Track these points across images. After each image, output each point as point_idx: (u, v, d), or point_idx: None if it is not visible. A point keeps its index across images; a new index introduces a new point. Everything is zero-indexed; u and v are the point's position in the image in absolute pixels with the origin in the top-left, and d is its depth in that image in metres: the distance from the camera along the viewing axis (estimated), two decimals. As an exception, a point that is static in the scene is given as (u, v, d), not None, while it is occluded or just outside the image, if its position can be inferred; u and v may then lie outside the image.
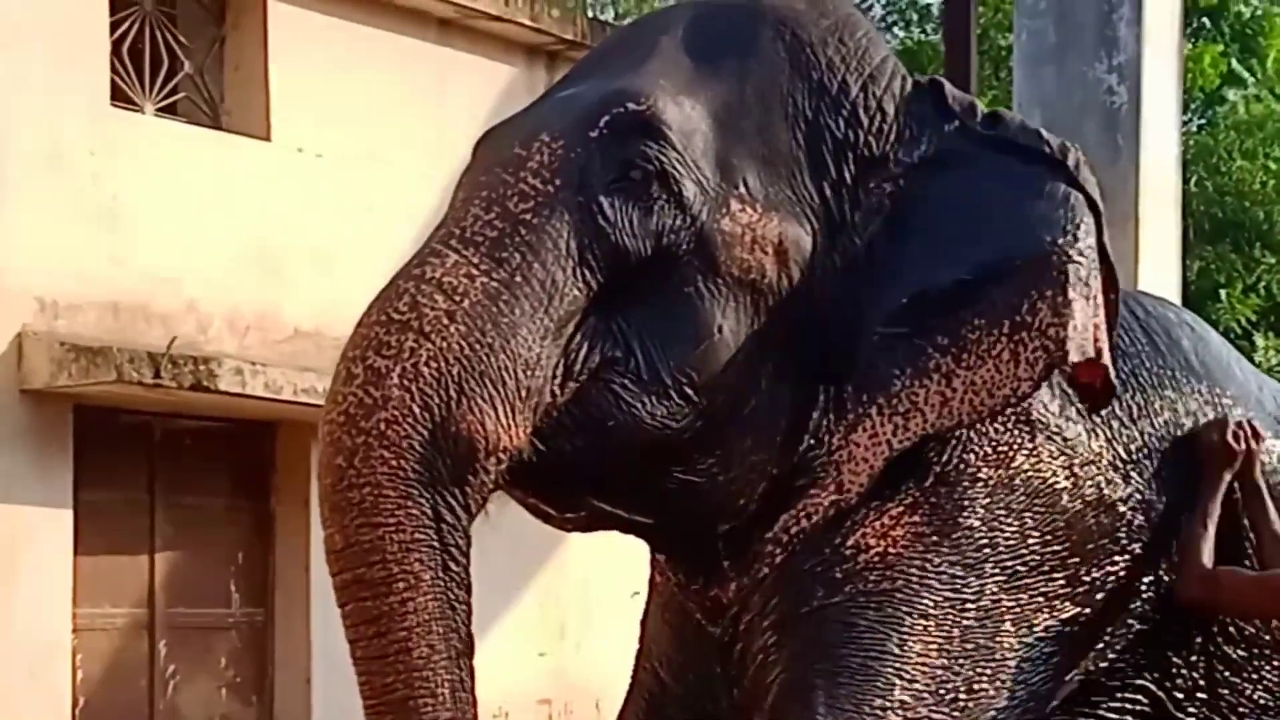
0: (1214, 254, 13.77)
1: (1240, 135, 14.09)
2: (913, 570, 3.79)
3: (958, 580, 3.80)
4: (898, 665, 3.77)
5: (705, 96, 3.68)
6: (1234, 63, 14.48)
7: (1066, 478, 3.94)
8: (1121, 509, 3.99)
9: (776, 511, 3.73)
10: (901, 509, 3.76)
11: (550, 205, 3.49)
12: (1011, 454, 3.86)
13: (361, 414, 3.32)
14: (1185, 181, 13.38)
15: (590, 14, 10.69)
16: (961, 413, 3.66)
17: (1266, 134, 14.14)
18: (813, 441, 3.68)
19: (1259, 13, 14.87)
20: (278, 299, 9.03)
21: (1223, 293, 14.31)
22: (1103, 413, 3.99)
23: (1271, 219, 14.20)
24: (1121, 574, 3.99)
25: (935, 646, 3.80)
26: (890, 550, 3.76)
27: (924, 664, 3.79)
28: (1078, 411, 3.96)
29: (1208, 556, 4.14)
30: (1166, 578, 4.07)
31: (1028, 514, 3.87)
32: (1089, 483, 3.97)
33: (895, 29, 16.41)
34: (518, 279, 3.43)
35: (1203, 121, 14.93)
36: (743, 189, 3.60)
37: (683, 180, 3.54)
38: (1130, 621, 4.04)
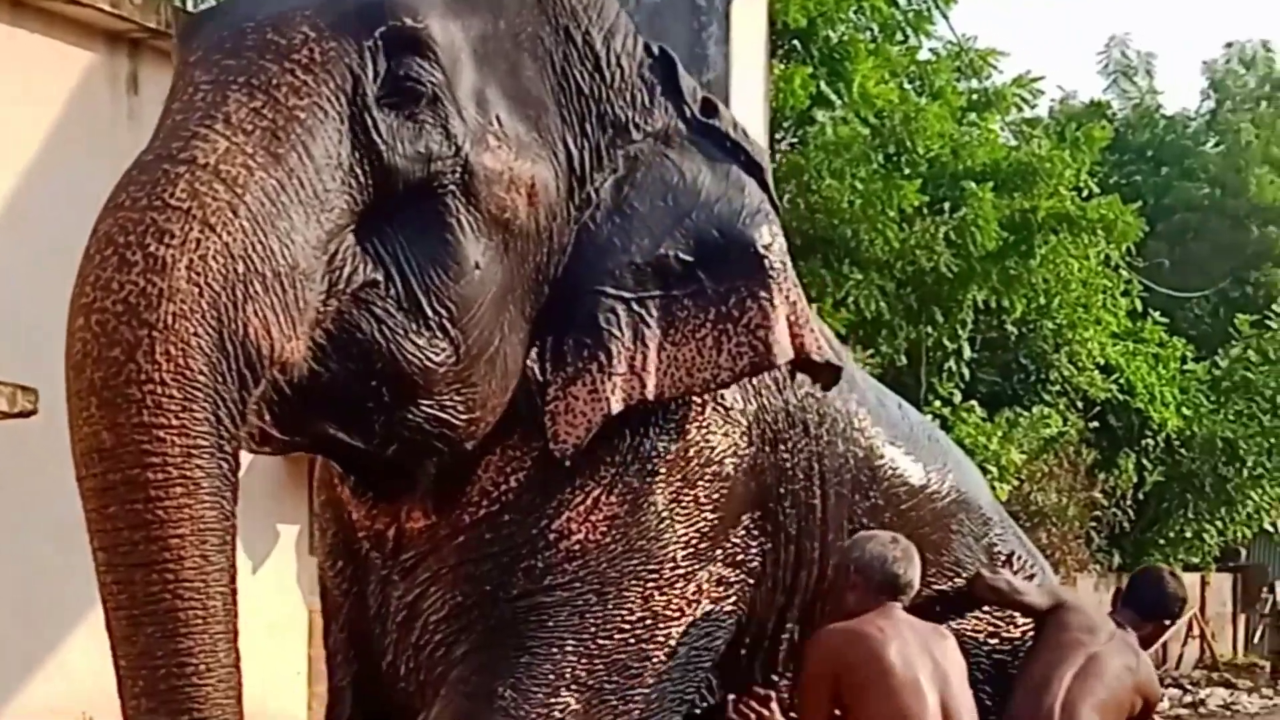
0: (805, 270, 14.21)
1: (829, 155, 14.50)
2: (604, 555, 3.82)
3: (642, 554, 3.87)
4: (577, 644, 3.78)
5: (463, 25, 3.57)
6: (823, 85, 14.92)
7: (729, 446, 4.03)
8: (767, 475, 4.12)
9: (488, 456, 3.75)
10: (601, 490, 3.82)
11: (324, 108, 3.33)
12: (686, 426, 3.94)
13: (145, 305, 3.08)
14: (778, 199, 13.86)
15: (176, 2, 10.30)
16: (665, 385, 3.72)
17: (854, 155, 14.56)
18: (532, 390, 3.69)
19: (845, 38, 15.39)
20: None
21: (814, 307, 14.76)
22: (754, 382, 4.09)
23: (859, 237, 14.70)
24: (765, 537, 4.11)
25: (614, 621, 3.83)
26: (590, 538, 3.80)
27: (603, 640, 3.80)
28: None
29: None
30: (809, 543, 4.24)
31: (701, 484, 3.95)
32: (746, 449, 4.07)
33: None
34: (294, 181, 3.26)
35: (794, 141, 15.35)
36: (497, 126, 3.54)
37: (450, 107, 3.46)
38: (784, 577, 4.19)
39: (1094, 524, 19.10)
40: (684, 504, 3.92)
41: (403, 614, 3.91)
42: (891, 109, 15.53)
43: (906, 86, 16.84)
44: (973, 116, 17.23)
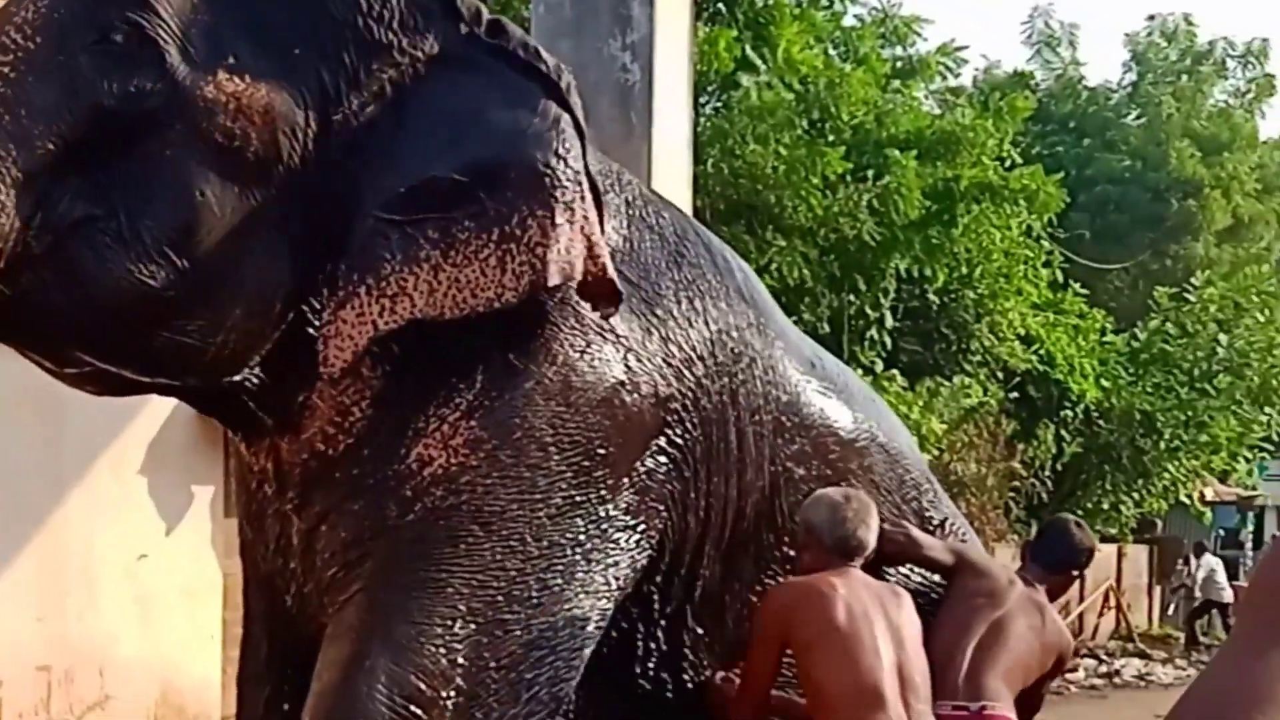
0: (729, 235, 14.19)
1: (753, 120, 14.47)
2: (478, 481, 3.86)
3: (524, 482, 3.89)
4: (468, 576, 3.82)
5: None
6: (747, 49, 14.86)
7: (624, 374, 4.07)
8: (673, 405, 4.16)
9: (295, 379, 3.81)
10: (458, 415, 3.86)
11: (29, 61, 3.49)
12: (567, 353, 3.98)
13: None
14: (701, 163, 13.79)
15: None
16: (445, 305, 3.70)
17: (778, 120, 14.52)
18: (309, 315, 3.75)
19: (771, 2, 15.32)
20: None
21: (738, 273, 14.76)
22: (659, 313, 4.17)
23: (782, 203, 14.66)
24: (673, 466, 4.14)
25: (505, 551, 3.87)
26: (453, 462, 3.85)
27: (496, 571, 3.84)
28: (633, 310, 4.10)
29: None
30: (722, 478, 4.26)
31: (589, 411, 3.97)
32: (645, 380, 4.11)
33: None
34: None
35: (718, 105, 15.29)
36: (231, 59, 3.61)
37: (166, 46, 3.54)
38: (697, 506, 4.22)
39: (1013, 494, 19.17)
40: (569, 430, 3.94)
41: (302, 548, 4.00)
42: (816, 75, 15.50)
43: (831, 52, 16.83)
44: (897, 84, 17.22)
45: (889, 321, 16.67)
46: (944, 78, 18.54)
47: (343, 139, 3.73)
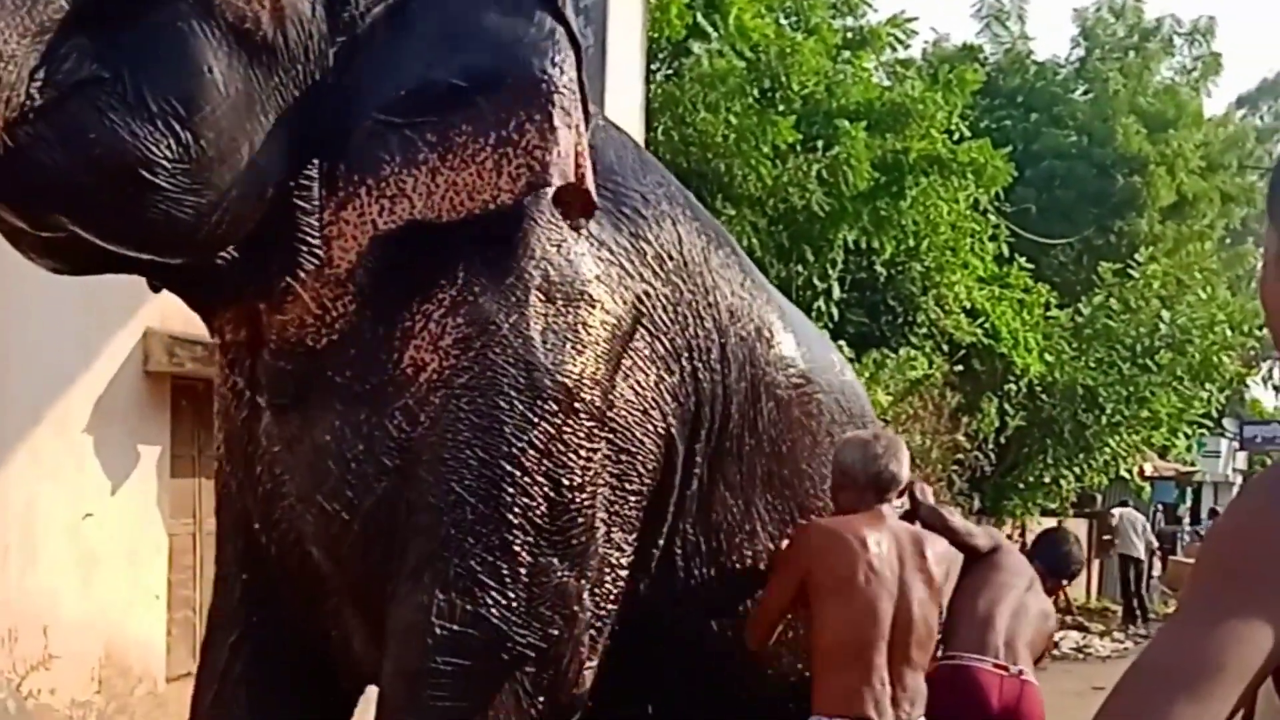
0: (678, 203, 14.11)
1: (704, 88, 14.43)
2: (473, 384, 3.95)
3: (520, 379, 3.96)
4: (493, 493, 3.95)
5: None
6: (699, 16, 14.80)
7: (599, 268, 4.15)
8: (651, 300, 4.26)
9: (277, 265, 3.85)
10: (443, 311, 3.95)
11: None
12: (546, 248, 4.06)
13: None
14: (652, 130, 13.75)
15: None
16: (443, 208, 3.77)
17: (729, 88, 14.48)
18: (305, 208, 3.81)
19: (723, -30, 15.30)
20: None
21: (686, 241, 14.67)
22: (627, 211, 4.27)
23: (732, 172, 14.64)
24: (659, 361, 4.26)
25: (519, 453, 3.96)
26: (446, 365, 3.93)
27: (513, 478, 3.96)
28: (602, 209, 4.15)
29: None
30: (708, 376, 4.39)
31: (569, 305, 4.05)
32: (618, 274, 4.20)
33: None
34: None
35: (669, 72, 15.24)
36: None
37: None
38: (687, 403, 4.34)
39: (956, 467, 19.24)
40: (553, 325, 4.02)
41: (287, 454, 4.08)
42: (767, 44, 15.46)
43: (783, 21, 16.78)
44: (847, 55, 17.19)
45: (836, 293, 16.67)
46: (894, 49, 18.54)
47: (348, 37, 3.78)
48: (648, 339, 4.21)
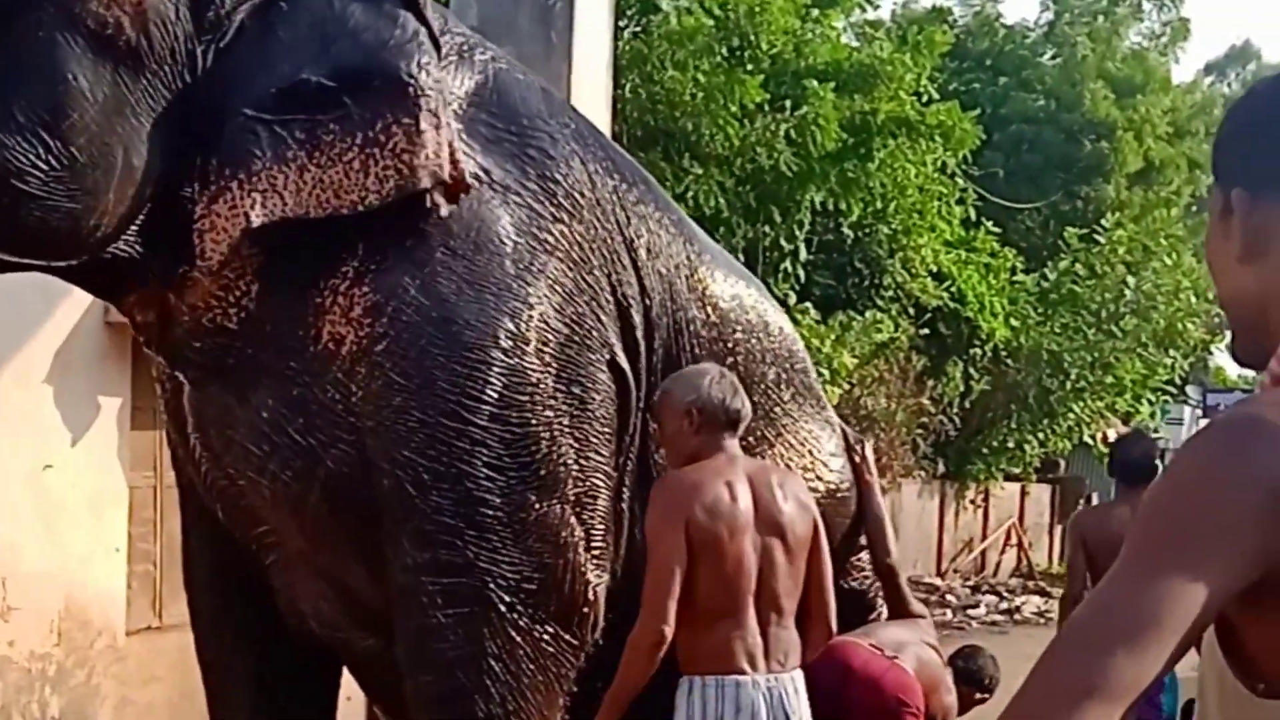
0: (645, 161, 14.08)
1: (672, 45, 14.37)
2: (392, 349, 3.99)
3: (439, 338, 3.99)
4: (440, 449, 4.00)
5: None
6: (668, -28, 14.78)
7: (505, 214, 4.16)
8: (565, 242, 4.25)
9: (169, 252, 3.90)
10: (349, 283, 3.99)
11: None
12: (466, 213, 4.06)
13: None
14: (620, 88, 13.67)
15: None
16: (310, 205, 3.82)
17: (697, 46, 14.42)
18: (184, 205, 3.85)
19: (691, -77, 15.24)
20: None
21: (653, 200, 14.61)
22: (532, 153, 4.25)
23: (700, 131, 14.59)
24: (579, 302, 4.24)
25: (457, 408, 4.00)
26: (363, 334, 3.98)
27: (461, 431, 4.01)
28: (506, 152, 4.19)
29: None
30: (636, 308, 4.39)
31: (477, 255, 4.08)
32: (526, 215, 4.20)
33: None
34: None
35: (638, 30, 15.16)
36: None
37: None
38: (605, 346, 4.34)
39: (920, 430, 19.30)
40: (469, 279, 4.04)
41: (220, 436, 4.17)
42: (736, 2, 15.39)
43: (752, -21, 16.69)
44: (816, 14, 17.12)
45: (803, 254, 16.65)
46: (863, 10, 18.48)
47: (214, 36, 3.84)
48: (570, 274, 4.22)
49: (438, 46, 3.95)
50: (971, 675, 5.47)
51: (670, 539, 4.29)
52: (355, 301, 3.96)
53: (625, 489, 4.39)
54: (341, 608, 4.34)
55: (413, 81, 3.85)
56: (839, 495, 5.09)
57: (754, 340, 4.82)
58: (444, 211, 4.00)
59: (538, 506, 4.07)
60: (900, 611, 5.31)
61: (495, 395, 4.01)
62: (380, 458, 3.99)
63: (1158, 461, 6.03)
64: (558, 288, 4.17)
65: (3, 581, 7.76)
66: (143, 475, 8.63)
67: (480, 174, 4.11)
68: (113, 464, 8.37)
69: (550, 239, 4.20)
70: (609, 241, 4.35)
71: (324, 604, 4.37)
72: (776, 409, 4.87)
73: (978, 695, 5.50)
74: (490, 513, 4.01)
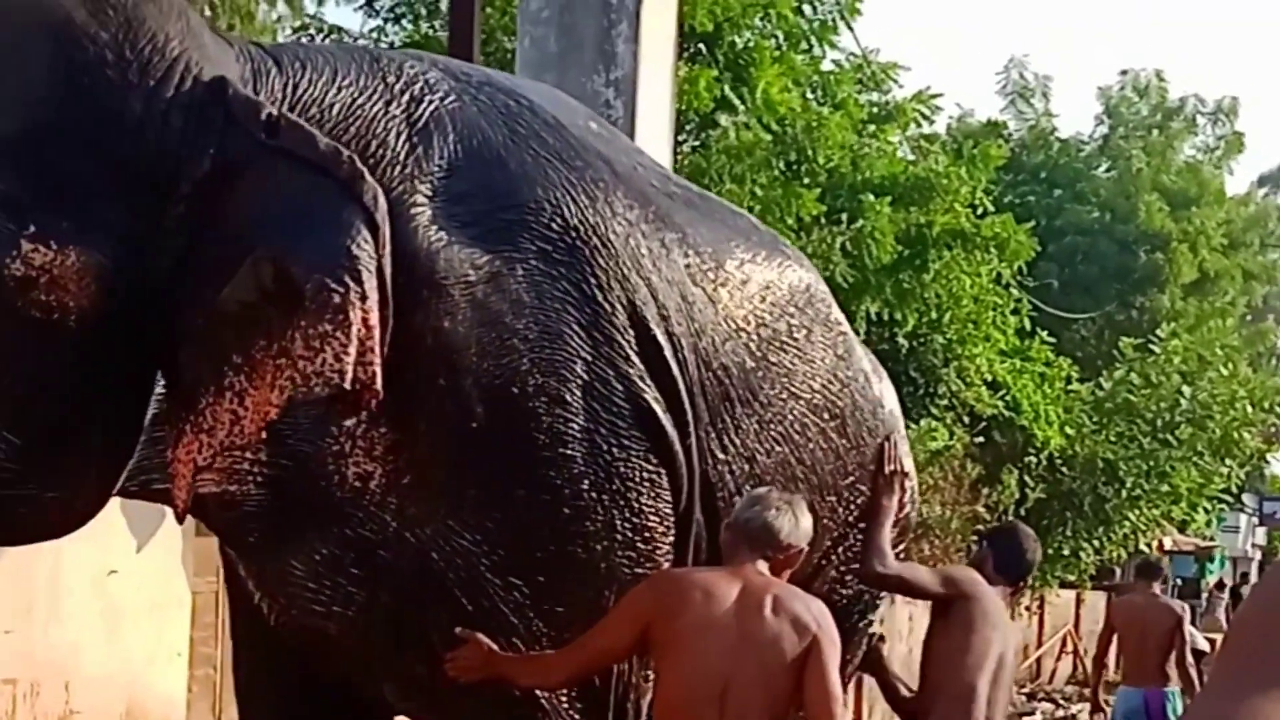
0: (702, 272, 14.14)
1: (731, 160, 14.51)
2: (418, 481, 3.99)
3: (454, 456, 4.03)
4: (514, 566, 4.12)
5: None
6: (726, 89, 14.90)
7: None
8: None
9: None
10: (364, 426, 3.90)
11: None
12: (434, 320, 3.93)
13: None
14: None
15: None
16: (250, 432, 3.64)
17: (755, 160, 14.56)
18: (163, 451, 3.73)
19: (751, 44, 15.42)
20: None
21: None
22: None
23: (757, 242, 14.65)
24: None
25: (543, 510, 4.12)
26: (388, 469, 3.95)
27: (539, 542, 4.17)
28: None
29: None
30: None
31: (480, 356, 3.99)
32: (518, 294, 4.09)
33: (404, 21, 16.25)
34: None
35: (696, 144, 15.33)
36: (34, 228, 3.46)
37: None
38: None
39: (975, 538, 19.22)
40: (475, 391, 3.98)
41: (274, 581, 4.21)
42: (794, 117, 15.58)
43: (809, 95, 16.89)
44: (872, 129, 17.30)
45: (858, 364, 16.65)
46: (919, 124, 18.62)
47: (157, 280, 3.62)
48: (587, 355, 4.17)
49: (374, 227, 3.65)
50: (1019, 570, 5.51)
51: (618, 620, 4.34)
52: (375, 443, 3.93)
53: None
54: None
55: (323, 283, 3.57)
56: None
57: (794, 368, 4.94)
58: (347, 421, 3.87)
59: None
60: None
61: (530, 498, 4.15)
62: (422, 596, 4.13)
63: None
64: (582, 388, 4.15)
65: (65, 684, 7.87)
66: (206, 580, 8.76)
67: (470, 272, 3.96)
68: (176, 569, 8.50)
69: (564, 314, 4.13)
70: (626, 284, 4.26)
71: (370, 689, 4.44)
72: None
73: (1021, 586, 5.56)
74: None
